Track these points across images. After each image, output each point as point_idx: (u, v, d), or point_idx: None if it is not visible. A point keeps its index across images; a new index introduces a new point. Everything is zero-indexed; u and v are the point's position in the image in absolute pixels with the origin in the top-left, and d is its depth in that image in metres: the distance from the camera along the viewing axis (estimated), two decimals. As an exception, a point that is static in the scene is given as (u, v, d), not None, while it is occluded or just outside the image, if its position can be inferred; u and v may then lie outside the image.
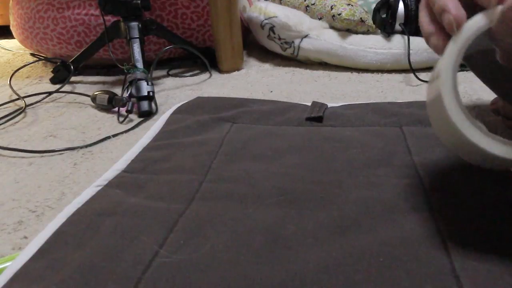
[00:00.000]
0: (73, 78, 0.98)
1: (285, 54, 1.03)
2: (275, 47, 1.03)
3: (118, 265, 0.31)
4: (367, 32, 0.95)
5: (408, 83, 0.85)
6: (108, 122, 0.72)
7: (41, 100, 0.85)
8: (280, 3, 1.10)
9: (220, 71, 1.00)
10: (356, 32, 0.95)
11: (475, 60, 0.47)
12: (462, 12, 0.30)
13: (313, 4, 0.99)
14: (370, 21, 0.93)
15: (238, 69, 1.00)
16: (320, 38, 0.94)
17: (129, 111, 0.71)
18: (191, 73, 1.00)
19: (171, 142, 0.53)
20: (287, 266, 0.31)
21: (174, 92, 0.87)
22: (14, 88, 0.90)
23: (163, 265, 0.31)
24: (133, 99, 0.73)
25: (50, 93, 0.87)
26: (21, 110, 0.78)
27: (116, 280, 0.30)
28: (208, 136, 0.54)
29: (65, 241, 0.34)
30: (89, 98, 0.82)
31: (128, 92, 0.75)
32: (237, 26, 0.96)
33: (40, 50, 1.08)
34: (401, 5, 0.89)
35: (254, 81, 0.91)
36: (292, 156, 0.48)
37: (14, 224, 0.44)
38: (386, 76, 0.90)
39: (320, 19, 0.98)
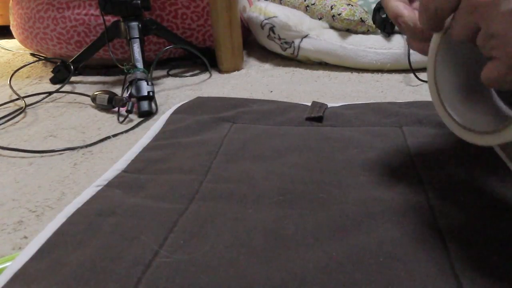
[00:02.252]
0: (73, 78, 0.98)
1: (285, 54, 1.03)
2: (275, 47, 1.03)
3: (118, 265, 0.31)
4: (367, 32, 0.95)
5: (408, 83, 0.85)
6: (108, 122, 0.72)
7: (41, 100, 0.85)
8: (280, 3, 1.10)
9: (220, 71, 1.00)
10: (356, 32, 0.95)
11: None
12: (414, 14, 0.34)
13: (313, 4, 0.99)
14: (370, 21, 0.93)
15: (238, 69, 1.00)
16: (320, 38, 0.94)
17: (129, 111, 0.71)
18: (191, 73, 1.00)
19: (171, 142, 0.53)
20: (287, 266, 0.31)
21: (174, 92, 0.87)
22: (14, 88, 0.90)
23: (163, 265, 0.31)
24: (133, 99, 0.73)
25: (50, 93, 0.87)
26: (21, 110, 0.78)
27: (116, 280, 0.30)
28: (208, 136, 0.54)
29: (65, 241, 0.34)
30: (89, 98, 0.82)
31: (128, 92, 0.75)
32: (237, 26, 0.96)
33: (40, 50, 1.08)
34: (401, 5, 0.89)
35: (254, 81, 0.91)
36: (292, 156, 0.48)
37: (14, 224, 0.44)
38: (386, 76, 0.90)
39: (320, 19, 0.98)
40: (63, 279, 0.30)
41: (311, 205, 0.38)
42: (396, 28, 0.91)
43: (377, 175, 0.43)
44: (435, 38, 0.34)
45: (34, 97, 0.85)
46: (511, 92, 0.32)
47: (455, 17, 0.29)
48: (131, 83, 0.76)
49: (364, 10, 0.95)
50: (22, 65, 1.05)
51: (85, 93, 0.86)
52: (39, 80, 1.01)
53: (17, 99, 0.84)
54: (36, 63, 1.17)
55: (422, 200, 0.38)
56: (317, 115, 0.57)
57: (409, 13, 0.35)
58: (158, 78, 0.98)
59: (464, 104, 0.34)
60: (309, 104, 0.63)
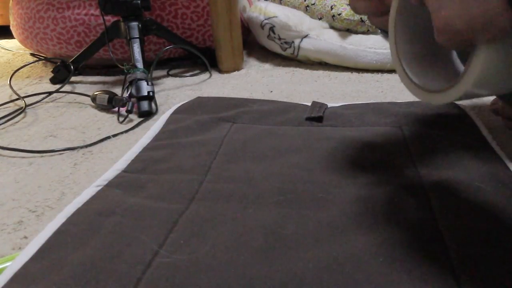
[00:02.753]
0: (73, 78, 0.98)
1: (285, 54, 1.03)
2: (275, 47, 1.03)
3: (118, 265, 0.31)
4: (367, 32, 0.95)
5: (408, 83, 0.85)
6: (108, 122, 0.72)
7: (41, 100, 0.85)
8: (280, 3, 1.10)
9: (220, 71, 1.00)
10: (356, 32, 0.95)
11: None
12: None
13: (313, 4, 0.99)
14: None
15: (238, 69, 1.00)
16: (320, 38, 0.94)
17: (129, 111, 0.71)
18: (191, 73, 1.00)
19: (171, 142, 0.53)
20: (287, 266, 0.31)
21: (174, 92, 0.87)
22: (14, 88, 0.90)
23: (163, 265, 0.31)
24: (133, 99, 0.73)
25: (50, 93, 0.87)
26: (21, 110, 0.78)
27: (116, 280, 0.30)
28: (208, 136, 0.54)
29: (65, 241, 0.34)
30: (89, 98, 0.82)
31: (128, 92, 0.75)
32: (237, 26, 0.96)
33: (40, 50, 1.08)
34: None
35: (254, 81, 0.91)
36: (292, 156, 0.48)
37: (14, 224, 0.44)
38: (386, 76, 0.90)
39: (320, 19, 0.98)
40: (63, 279, 0.30)
41: (311, 205, 0.38)
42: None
43: (377, 175, 0.43)
44: (394, 2, 0.35)
45: (34, 97, 0.85)
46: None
47: None
48: (131, 83, 0.76)
49: (364, 10, 0.95)
50: (22, 65, 1.05)
51: (85, 93, 0.86)
52: (39, 80, 1.01)
53: (17, 99, 0.84)
54: (36, 63, 1.16)
55: (422, 200, 0.38)
56: (317, 115, 0.57)
57: None
58: (158, 78, 0.98)
59: (423, 66, 0.36)
60: (309, 104, 0.63)
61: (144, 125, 0.69)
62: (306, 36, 0.95)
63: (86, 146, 0.61)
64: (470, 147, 0.47)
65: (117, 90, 0.85)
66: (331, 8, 0.95)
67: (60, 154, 0.60)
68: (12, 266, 0.32)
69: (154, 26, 0.92)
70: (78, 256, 0.32)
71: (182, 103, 0.66)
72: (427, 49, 0.36)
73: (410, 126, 0.54)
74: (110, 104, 0.75)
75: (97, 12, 0.99)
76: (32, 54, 1.23)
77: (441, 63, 0.36)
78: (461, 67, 0.36)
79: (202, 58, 0.96)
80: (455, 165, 0.44)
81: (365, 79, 0.89)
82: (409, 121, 0.55)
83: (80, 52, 0.96)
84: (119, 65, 0.86)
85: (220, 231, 0.35)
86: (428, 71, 0.35)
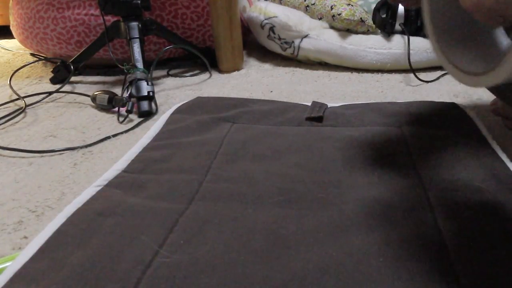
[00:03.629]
0: (73, 78, 0.98)
1: (285, 54, 1.03)
2: (275, 47, 1.03)
3: (118, 265, 0.31)
4: (367, 32, 0.95)
5: (408, 83, 0.85)
6: (108, 122, 0.72)
7: (41, 100, 0.85)
8: (280, 3, 1.10)
9: (220, 71, 1.00)
10: (356, 32, 0.95)
11: None
12: None
13: (313, 4, 0.99)
14: (370, 21, 0.93)
15: (238, 69, 1.00)
16: (320, 38, 0.94)
17: (129, 111, 0.71)
18: (191, 73, 1.00)
19: (171, 142, 0.53)
20: (287, 266, 0.31)
21: (174, 92, 0.87)
22: (14, 88, 0.90)
23: (163, 265, 0.31)
24: (133, 99, 0.73)
25: (50, 93, 0.87)
26: (21, 110, 0.78)
27: (116, 280, 0.30)
28: (208, 136, 0.54)
29: (65, 241, 0.34)
30: (89, 98, 0.82)
31: (128, 92, 0.75)
32: (237, 26, 0.96)
33: (40, 50, 1.08)
34: (401, 5, 0.89)
35: (254, 81, 0.91)
36: (292, 156, 0.48)
37: (14, 224, 0.44)
38: (386, 76, 0.90)
39: (320, 19, 0.98)
40: (63, 279, 0.30)
41: (311, 205, 0.38)
42: (396, 28, 0.91)
43: (377, 175, 0.43)
44: None
45: (34, 97, 0.85)
46: None
47: None
48: (131, 83, 0.76)
49: (364, 10, 0.95)
50: (22, 65, 1.05)
51: (85, 93, 0.86)
52: (39, 80, 1.01)
53: (17, 99, 0.84)
54: (36, 63, 1.17)
55: (422, 200, 0.38)
56: (317, 115, 0.57)
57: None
58: (158, 78, 0.98)
59: (462, 45, 0.34)
60: (309, 104, 0.63)
61: (144, 125, 0.69)
62: (306, 36, 0.95)
63: (86, 146, 0.61)
64: (470, 147, 0.47)
65: (117, 90, 0.85)
66: (331, 8, 0.95)
67: (60, 154, 0.60)
68: (12, 266, 0.32)
69: (154, 26, 0.92)
70: (78, 256, 0.32)
71: (182, 103, 0.66)
72: (467, 29, 0.35)
73: (410, 126, 0.54)
74: (110, 104, 0.75)
75: (97, 12, 0.99)
76: (32, 54, 1.23)
77: (481, 41, 0.34)
78: (502, 44, 0.34)
79: (202, 58, 0.96)
80: (455, 165, 0.44)
81: (365, 79, 0.89)
82: (409, 121, 0.55)
83: (80, 52, 0.96)
84: (119, 65, 0.86)
85: (220, 231, 0.35)
86: (468, 50, 0.34)
